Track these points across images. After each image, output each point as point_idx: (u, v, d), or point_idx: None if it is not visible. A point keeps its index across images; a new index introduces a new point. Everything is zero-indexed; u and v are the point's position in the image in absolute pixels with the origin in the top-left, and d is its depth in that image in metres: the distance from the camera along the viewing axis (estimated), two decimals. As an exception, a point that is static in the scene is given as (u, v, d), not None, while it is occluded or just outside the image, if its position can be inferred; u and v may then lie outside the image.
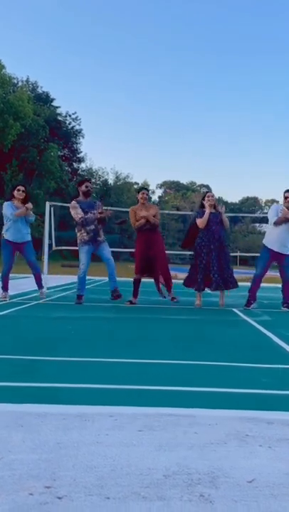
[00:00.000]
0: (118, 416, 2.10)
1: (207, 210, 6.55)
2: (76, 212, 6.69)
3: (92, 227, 6.71)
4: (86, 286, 6.92)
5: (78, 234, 6.78)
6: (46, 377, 2.69)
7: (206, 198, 6.77)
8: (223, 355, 3.50)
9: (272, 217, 6.59)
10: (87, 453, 1.70)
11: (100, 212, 6.77)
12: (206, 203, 6.65)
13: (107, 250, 6.88)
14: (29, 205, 6.66)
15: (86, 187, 6.90)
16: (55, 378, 2.68)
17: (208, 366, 3.13)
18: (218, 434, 1.93)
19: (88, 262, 6.75)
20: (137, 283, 6.96)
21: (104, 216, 6.78)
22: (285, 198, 6.54)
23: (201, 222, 6.54)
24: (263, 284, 7.00)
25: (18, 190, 6.79)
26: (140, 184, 72.04)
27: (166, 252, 7.69)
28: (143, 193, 7.03)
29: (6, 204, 6.71)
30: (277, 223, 6.48)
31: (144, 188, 7.47)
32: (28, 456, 1.65)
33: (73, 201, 6.91)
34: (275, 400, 2.43)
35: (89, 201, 6.93)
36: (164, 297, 7.04)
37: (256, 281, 6.72)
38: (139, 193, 7.18)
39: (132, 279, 7.03)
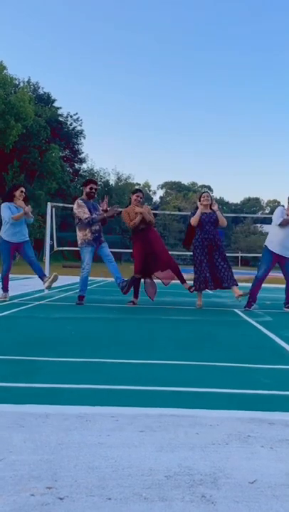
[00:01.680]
0: (119, 416, 2.09)
1: (199, 210, 6.59)
2: (83, 212, 6.66)
3: (97, 227, 6.72)
4: (89, 287, 6.91)
5: (81, 234, 6.71)
6: (47, 378, 2.69)
7: (200, 198, 6.82)
8: (225, 355, 3.50)
9: (277, 218, 6.54)
10: (89, 454, 1.69)
11: (104, 210, 6.79)
12: (199, 203, 6.70)
13: (107, 248, 6.89)
14: (28, 208, 6.65)
15: (90, 189, 6.87)
16: (56, 379, 2.68)
17: (209, 367, 3.12)
18: (219, 434, 1.93)
19: (91, 263, 6.74)
20: (136, 283, 6.95)
21: (112, 214, 6.78)
22: None
23: (193, 220, 6.61)
24: (264, 285, 6.99)
25: (22, 191, 6.78)
26: (142, 185, 72.11)
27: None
28: (138, 196, 6.97)
29: (3, 205, 6.67)
30: (282, 224, 6.46)
31: (139, 190, 7.42)
32: (29, 457, 1.65)
33: (79, 199, 6.87)
34: (276, 401, 2.43)
35: (92, 202, 6.92)
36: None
37: (257, 282, 6.68)
38: (133, 194, 7.09)
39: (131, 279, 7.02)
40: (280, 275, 6.97)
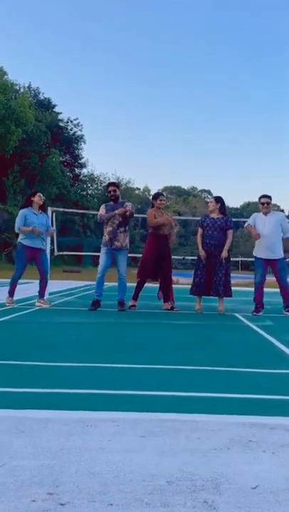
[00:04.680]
0: (120, 421, 2.09)
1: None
2: (99, 214, 6.82)
3: (110, 228, 6.65)
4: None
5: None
6: (48, 383, 2.68)
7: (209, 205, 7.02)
8: (225, 360, 3.49)
9: (247, 223, 6.91)
10: (90, 459, 1.69)
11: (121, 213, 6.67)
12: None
13: (122, 262, 6.73)
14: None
15: (109, 192, 6.92)
16: (56, 384, 2.67)
17: (210, 371, 3.11)
18: (220, 439, 1.92)
19: (106, 265, 6.68)
20: (140, 285, 6.96)
21: (123, 212, 6.62)
22: (262, 203, 6.71)
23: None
24: (265, 289, 6.98)
25: (40, 196, 6.80)
26: (141, 189, 72.16)
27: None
28: (161, 200, 6.99)
29: (20, 213, 6.69)
30: (246, 229, 6.90)
31: (162, 194, 7.39)
32: (30, 463, 1.65)
33: (103, 205, 7.03)
34: (277, 406, 2.42)
35: (115, 205, 6.80)
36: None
37: (257, 288, 6.74)
38: (156, 199, 7.05)
39: (136, 283, 7.01)
40: None
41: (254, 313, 6.67)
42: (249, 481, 1.55)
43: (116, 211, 6.66)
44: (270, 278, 7.19)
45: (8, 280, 6.93)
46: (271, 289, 9.25)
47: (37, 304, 6.80)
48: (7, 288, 6.84)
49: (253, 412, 2.27)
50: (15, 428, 1.97)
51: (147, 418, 2.14)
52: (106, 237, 6.66)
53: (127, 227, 6.80)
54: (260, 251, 6.67)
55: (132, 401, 2.39)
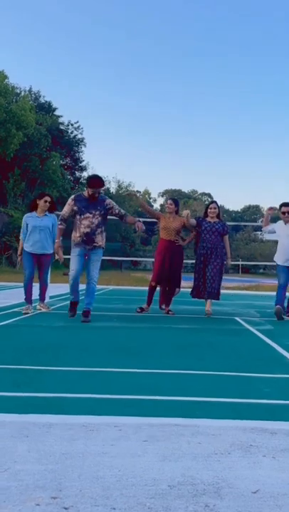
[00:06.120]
0: (123, 426, 2.11)
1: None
2: (65, 209, 5.89)
3: (87, 229, 5.75)
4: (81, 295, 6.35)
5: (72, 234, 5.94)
6: (50, 387, 2.70)
7: (208, 209, 6.90)
8: (226, 364, 3.51)
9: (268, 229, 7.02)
10: (93, 463, 1.71)
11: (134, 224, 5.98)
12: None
13: (96, 262, 5.86)
14: (60, 257, 6.10)
15: (93, 193, 5.80)
16: (59, 388, 2.69)
17: (211, 376, 3.14)
18: (222, 444, 1.94)
19: (79, 269, 5.81)
20: (152, 290, 6.94)
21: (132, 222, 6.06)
22: (283, 213, 6.68)
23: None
24: (265, 292, 7.02)
25: (46, 201, 6.44)
26: (142, 192, 72.24)
27: None
28: (168, 203, 7.04)
29: (24, 218, 6.57)
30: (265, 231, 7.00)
31: (171, 199, 7.31)
32: (33, 467, 1.67)
33: (72, 196, 6.01)
34: (278, 410, 2.44)
35: (94, 202, 5.81)
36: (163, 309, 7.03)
37: (279, 290, 6.65)
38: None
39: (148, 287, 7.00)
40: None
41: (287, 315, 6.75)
42: (250, 486, 1.57)
43: (139, 228, 6.00)
44: (271, 282, 7.21)
45: (9, 283, 6.96)
46: (273, 293, 9.27)
47: (37, 307, 6.77)
48: (7, 291, 6.86)
49: (254, 417, 2.30)
50: (18, 433, 1.99)
51: (149, 422, 2.16)
52: (78, 238, 5.76)
53: (104, 227, 5.94)
54: (279, 258, 6.73)
55: (134, 405, 2.42)
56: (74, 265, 5.79)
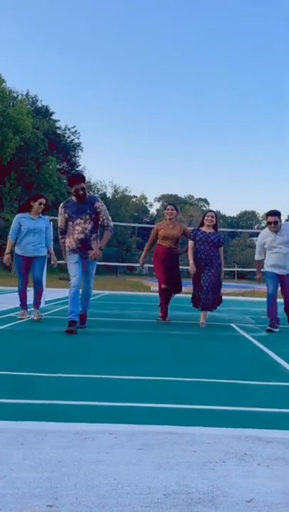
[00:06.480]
0: (118, 434, 2.12)
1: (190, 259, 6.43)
2: (60, 220, 5.69)
3: (81, 235, 5.51)
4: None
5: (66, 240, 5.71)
6: (45, 394, 2.71)
7: (205, 217, 6.66)
8: (221, 372, 3.52)
9: (257, 252, 6.52)
10: (88, 472, 1.72)
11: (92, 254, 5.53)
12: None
13: (93, 269, 5.77)
14: (54, 261, 6.41)
15: (76, 190, 5.53)
16: (54, 395, 2.70)
17: (206, 383, 3.15)
18: (216, 452, 1.95)
19: (81, 274, 5.53)
20: (163, 295, 6.82)
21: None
22: (269, 223, 6.18)
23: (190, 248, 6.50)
24: (258, 299, 7.02)
25: (40, 203, 6.21)
26: (138, 197, 72.30)
27: None
28: (168, 209, 6.89)
29: (15, 218, 6.27)
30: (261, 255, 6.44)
31: (171, 204, 7.17)
32: (29, 475, 1.67)
33: (61, 204, 5.78)
34: (273, 419, 2.46)
35: (83, 203, 5.55)
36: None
37: (270, 300, 6.18)
38: (166, 208, 6.94)
39: (158, 293, 6.92)
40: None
41: (269, 328, 6.04)
42: (244, 495, 1.59)
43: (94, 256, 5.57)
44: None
45: (5, 288, 6.94)
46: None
47: (31, 316, 6.35)
48: (3, 296, 6.82)
49: (249, 425, 2.31)
50: (14, 440, 2.00)
51: (144, 430, 2.17)
52: (73, 244, 5.51)
53: (98, 232, 5.71)
54: (271, 267, 6.29)
55: (129, 413, 2.43)
56: (74, 271, 5.47)
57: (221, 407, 2.60)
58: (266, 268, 6.36)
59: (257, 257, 6.48)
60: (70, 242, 5.57)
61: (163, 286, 6.77)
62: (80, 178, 5.68)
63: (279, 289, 6.35)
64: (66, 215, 5.58)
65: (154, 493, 1.57)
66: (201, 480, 1.69)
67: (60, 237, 5.79)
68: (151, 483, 1.64)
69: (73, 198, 5.66)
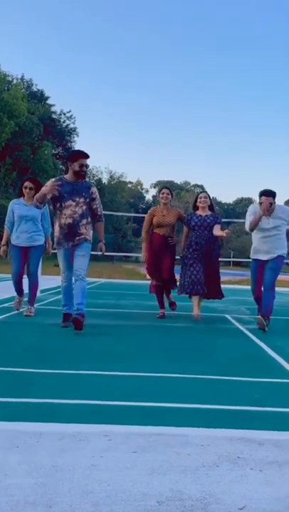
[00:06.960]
0: (112, 435, 2.13)
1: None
2: (47, 190, 4.95)
3: (69, 220, 5.02)
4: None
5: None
6: (40, 393, 2.72)
7: (197, 199, 6.35)
8: (214, 368, 3.54)
9: (246, 224, 5.70)
10: (82, 477, 1.73)
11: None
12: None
13: (83, 257, 5.05)
14: (49, 252, 6.17)
15: (80, 166, 5.06)
16: (49, 393, 2.70)
17: (199, 380, 3.17)
18: (210, 456, 1.97)
19: (70, 268, 5.15)
20: (157, 289, 6.42)
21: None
22: (261, 203, 5.44)
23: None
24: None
25: (25, 187, 5.82)
26: (134, 183, 71.99)
27: None
28: (163, 193, 6.35)
29: (10, 204, 5.99)
30: (252, 229, 5.62)
31: (166, 187, 6.61)
32: (24, 480, 1.68)
33: (53, 179, 5.20)
34: (266, 418, 2.48)
35: (78, 184, 5.10)
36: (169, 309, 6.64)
37: (254, 297, 5.85)
38: (160, 192, 6.42)
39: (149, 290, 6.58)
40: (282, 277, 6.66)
41: (260, 327, 5.39)
42: (237, 501, 1.60)
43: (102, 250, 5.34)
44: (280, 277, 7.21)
45: (1, 275, 6.89)
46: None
47: (24, 313, 5.90)
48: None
49: (242, 425, 2.33)
50: (10, 443, 2.00)
51: (139, 432, 2.19)
52: (59, 235, 5.08)
53: (90, 218, 5.16)
54: (257, 252, 5.73)
55: (123, 412, 2.44)
56: (63, 267, 5.17)
57: (214, 406, 2.61)
58: (253, 255, 5.74)
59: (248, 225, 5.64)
60: (56, 231, 5.13)
61: (154, 283, 6.39)
62: (86, 154, 5.14)
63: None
64: (57, 192, 4.98)
65: (147, 500, 1.58)
66: (194, 486, 1.70)
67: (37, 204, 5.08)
68: (145, 489, 1.66)
69: (67, 176, 5.14)
